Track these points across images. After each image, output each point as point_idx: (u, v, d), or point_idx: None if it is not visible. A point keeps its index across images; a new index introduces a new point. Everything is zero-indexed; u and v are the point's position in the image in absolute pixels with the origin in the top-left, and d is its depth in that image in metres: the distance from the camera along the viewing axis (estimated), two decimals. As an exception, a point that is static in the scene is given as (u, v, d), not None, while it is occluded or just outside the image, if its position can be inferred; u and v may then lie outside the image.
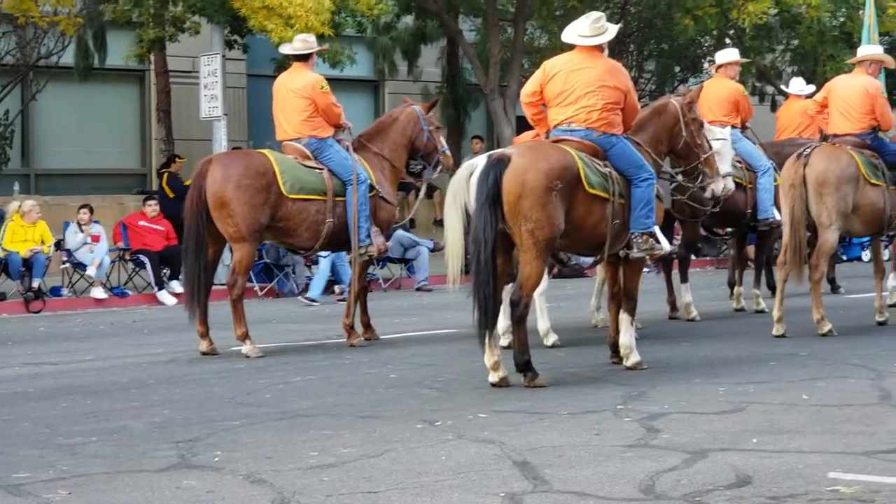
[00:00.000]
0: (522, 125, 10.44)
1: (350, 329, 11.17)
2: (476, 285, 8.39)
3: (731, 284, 13.61)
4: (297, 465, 6.26)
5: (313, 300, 16.00)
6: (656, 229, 9.14)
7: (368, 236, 11.07)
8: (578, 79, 9.03)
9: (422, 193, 12.67)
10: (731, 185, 11.80)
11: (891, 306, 12.37)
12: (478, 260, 8.38)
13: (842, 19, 21.80)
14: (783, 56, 24.76)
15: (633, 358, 9.25)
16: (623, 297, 9.31)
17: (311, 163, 10.99)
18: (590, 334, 11.32)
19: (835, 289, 15.29)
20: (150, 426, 7.47)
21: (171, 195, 18.49)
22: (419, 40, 23.77)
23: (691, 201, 11.85)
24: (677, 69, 24.08)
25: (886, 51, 13.17)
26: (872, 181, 11.33)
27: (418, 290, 17.63)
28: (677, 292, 12.80)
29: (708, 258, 21.17)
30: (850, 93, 11.68)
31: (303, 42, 11.32)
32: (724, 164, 11.19)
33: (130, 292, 16.91)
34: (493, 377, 8.54)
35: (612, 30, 9.28)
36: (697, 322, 12.48)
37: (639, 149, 9.32)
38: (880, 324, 11.73)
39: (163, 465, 6.33)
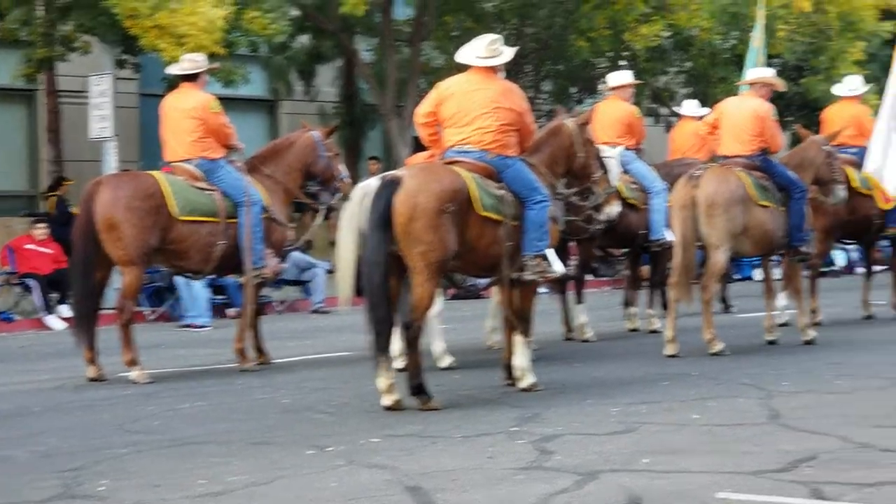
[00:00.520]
0: (420, 146, 10.40)
1: (242, 353, 11.02)
2: (369, 308, 8.34)
3: (627, 305, 13.71)
4: (185, 493, 6.13)
5: (202, 326, 15.74)
6: (549, 252, 9.15)
7: (262, 258, 10.95)
8: (473, 100, 9.03)
9: (319, 217, 12.52)
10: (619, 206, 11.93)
11: (781, 325, 12.52)
12: (370, 282, 8.34)
13: (733, 42, 22.13)
14: (676, 78, 25.08)
15: (528, 379, 9.23)
16: (517, 319, 9.30)
17: (202, 184, 10.83)
18: (485, 356, 11.30)
19: (727, 308, 15.48)
20: (34, 455, 7.28)
21: (59, 219, 18.09)
22: (315, 60, 23.65)
23: (587, 222, 11.91)
24: (574, 90, 24.28)
25: (777, 73, 13.38)
26: (761, 202, 11.47)
27: (314, 312, 17.50)
28: (573, 313, 12.84)
29: (605, 279, 21.32)
30: (741, 115, 11.84)
31: (191, 62, 11.17)
32: (613, 181, 11.26)
33: (17, 317, 16.51)
34: (387, 400, 8.46)
35: (508, 52, 9.30)
36: (592, 343, 12.53)
37: (534, 170, 9.33)
38: (770, 343, 11.87)
39: (46, 496, 6.15)
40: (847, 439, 7.17)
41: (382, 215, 8.38)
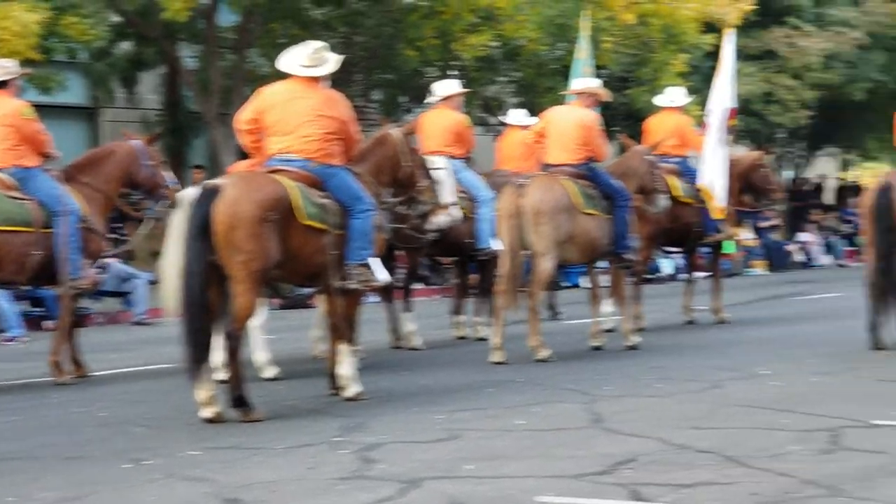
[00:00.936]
0: (245, 154, 10.23)
1: (57, 366, 10.67)
2: (187, 319, 8.16)
3: (455, 313, 13.72)
4: (-11, 512, 5.89)
5: (13, 339, 15.14)
6: (373, 260, 9.09)
7: (79, 269, 10.62)
8: (296, 108, 8.91)
9: (144, 227, 12.20)
10: (459, 214, 11.95)
11: (606, 331, 12.69)
12: (189, 292, 8.16)
13: (560, 53, 22.39)
14: (506, 88, 25.26)
15: (353, 388, 9.14)
16: (341, 328, 9.20)
17: (16, 193, 10.47)
18: (311, 366, 11.15)
19: (555, 315, 15.63)
20: None
21: None
22: (137, 66, 23.14)
23: (414, 231, 11.89)
24: (404, 99, 24.28)
25: (603, 84, 13.58)
26: (587, 211, 11.61)
27: (136, 323, 17.09)
28: (400, 322, 12.80)
29: (435, 287, 21.36)
30: (567, 124, 11.97)
31: (1, 68, 10.80)
32: (447, 194, 11.28)
33: None
34: (207, 413, 8.28)
35: (332, 62, 9.20)
36: (420, 351, 12.50)
37: (359, 179, 9.26)
38: (595, 348, 12.02)
39: None
40: (666, 441, 7.28)
41: (201, 224, 8.23)
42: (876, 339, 11.43)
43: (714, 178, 14.28)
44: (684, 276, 16.38)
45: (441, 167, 11.50)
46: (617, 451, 7.00)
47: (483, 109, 24.57)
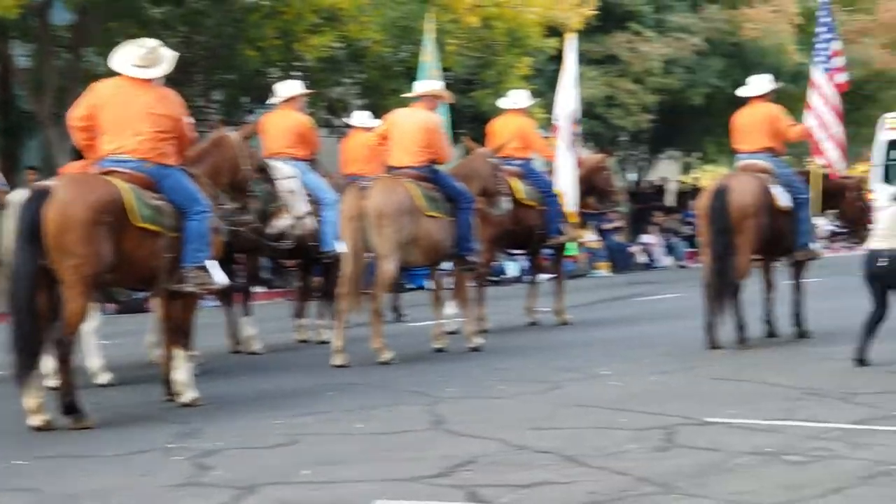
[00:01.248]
0: (80, 155, 9.94)
1: None
2: (15, 324, 7.90)
3: (297, 316, 13.57)
4: None
5: None
6: (210, 263, 8.91)
7: None
8: (128, 107, 8.69)
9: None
10: (313, 224, 11.83)
11: (449, 333, 12.68)
12: (17, 297, 7.92)
13: (404, 55, 22.37)
14: (351, 89, 25.13)
15: (189, 394, 8.95)
16: (177, 332, 9.00)
17: None
18: (147, 371, 10.88)
19: (400, 317, 15.58)
20: None
21: None
22: (-33, 66, 22.39)
23: (255, 234, 11.70)
24: (245, 100, 23.96)
25: (448, 87, 13.59)
26: (430, 213, 11.59)
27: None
28: (239, 325, 12.59)
29: (277, 290, 21.10)
30: (410, 126, 11.93)
31: None
32: (300, 204, 11.20)
33: None
34: (35, 420, 8.01)
35: (167, 61, 8.98)
36: (260, 355, 12.31)
37: (196, 181, 9.07)
38: (438, 350, 12.00)
39: None
40: (506, 442, 7.29)
41: (31, 227, 7.98)
42: (711, 338, 11.65)
43: (565, 183, 14.44)
44: (529, 277, 16.47)
45: (291, 175, 11.40)
46: (457, 453, 6.98)
47: (328, 111, 24.40)
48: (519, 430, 7.69)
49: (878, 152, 22.53)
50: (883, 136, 22.43)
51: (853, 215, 13.47)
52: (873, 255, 10.53)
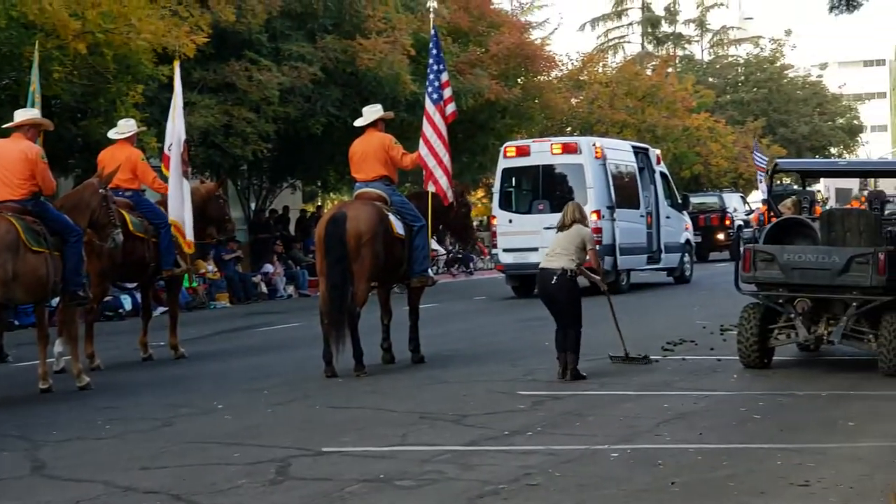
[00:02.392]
0: None
1: None
2: None
3: None
4: None
5: None
6: None
7: None
8: None
9: None
10: None
11: (56, 372, 12.07)
12: None
13: (7, 82, 21.30)
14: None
15: None
16: None
17: None
18: None
19: (3, 358, 14.70)
20: None
21: None
22: None
23: None
24: None
25: (56, 115, 12.98)
26: (34, 248, 11.03)
27: None
28: None
29: None
30: (10, 158, 11.31)
31: None
32: None
33: None
34: None
35: None
36: None
37: None
38: (44, 391, 11.35)
39: None
40: (111, 484, 7.02)
41: None
42: (329, 367, 11.66)
43: (179, 212, 14.06)
44: (141, 312, 15.94)
45: None
46: (58, 498, 6.68)
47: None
48: (126, 470, 7.40)
49: (497, 180, 23.76)
50: (501, 164, 23.64)
51: (459, 227, 14.00)
52: (545, 275, 11.00)
